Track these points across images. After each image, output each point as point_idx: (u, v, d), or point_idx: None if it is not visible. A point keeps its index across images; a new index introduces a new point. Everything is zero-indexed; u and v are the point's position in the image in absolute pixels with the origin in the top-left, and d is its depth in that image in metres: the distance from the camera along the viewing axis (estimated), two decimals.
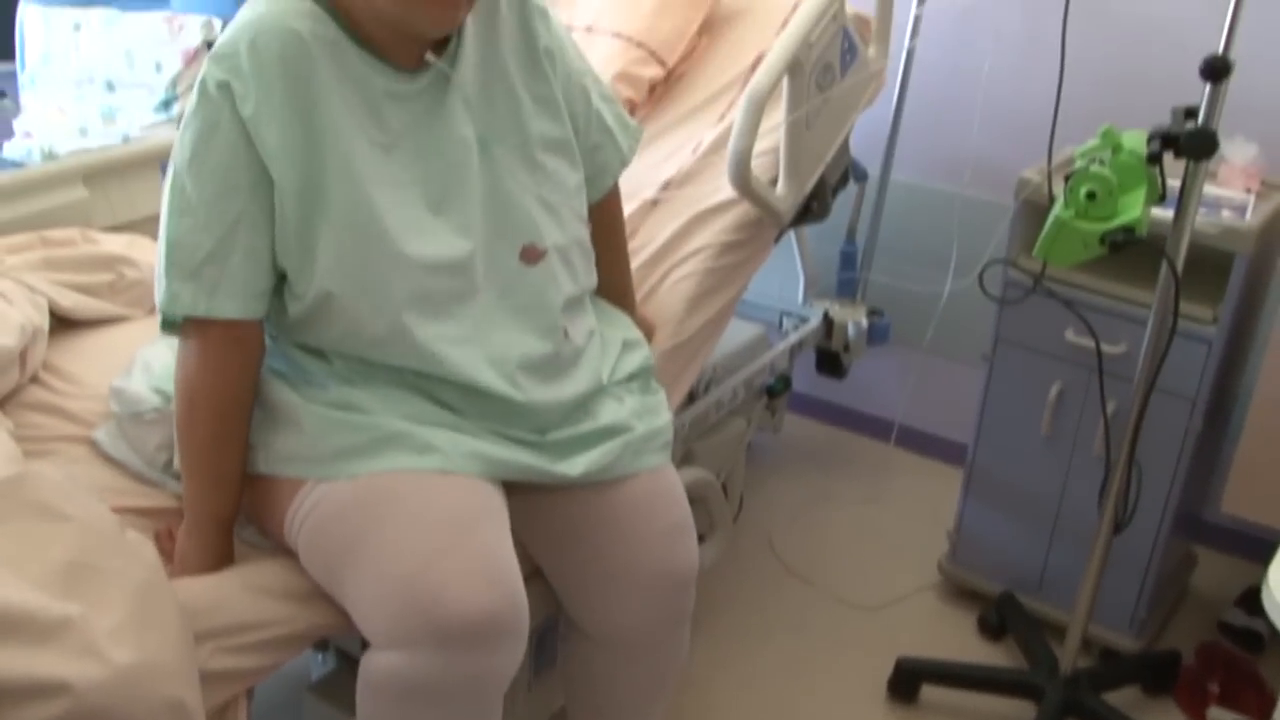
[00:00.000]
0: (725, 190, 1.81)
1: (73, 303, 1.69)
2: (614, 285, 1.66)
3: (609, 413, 1.48)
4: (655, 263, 1.84)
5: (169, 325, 1.32)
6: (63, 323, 1.70)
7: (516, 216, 1.42)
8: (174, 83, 3.04)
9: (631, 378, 1.57)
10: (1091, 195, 1.62)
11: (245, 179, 1.26)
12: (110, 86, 3.11)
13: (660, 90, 2.19)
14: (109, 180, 1.90)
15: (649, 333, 1.73)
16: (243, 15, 1.29)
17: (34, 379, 1.57)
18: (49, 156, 3.01)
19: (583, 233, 1.53)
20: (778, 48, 1.73)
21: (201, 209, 1.26)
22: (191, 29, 3.06)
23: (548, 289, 1.45)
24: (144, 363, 1.57)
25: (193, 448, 1.33)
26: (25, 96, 3.19)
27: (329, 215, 1.29)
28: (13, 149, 3.10)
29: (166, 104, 3.04)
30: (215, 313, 1.28)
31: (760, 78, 1.70)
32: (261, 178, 1.27)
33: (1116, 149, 1.68)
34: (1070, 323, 2.04)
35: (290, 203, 1.28)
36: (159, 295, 1.30)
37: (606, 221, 1.64)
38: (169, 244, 1.28)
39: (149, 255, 1.83)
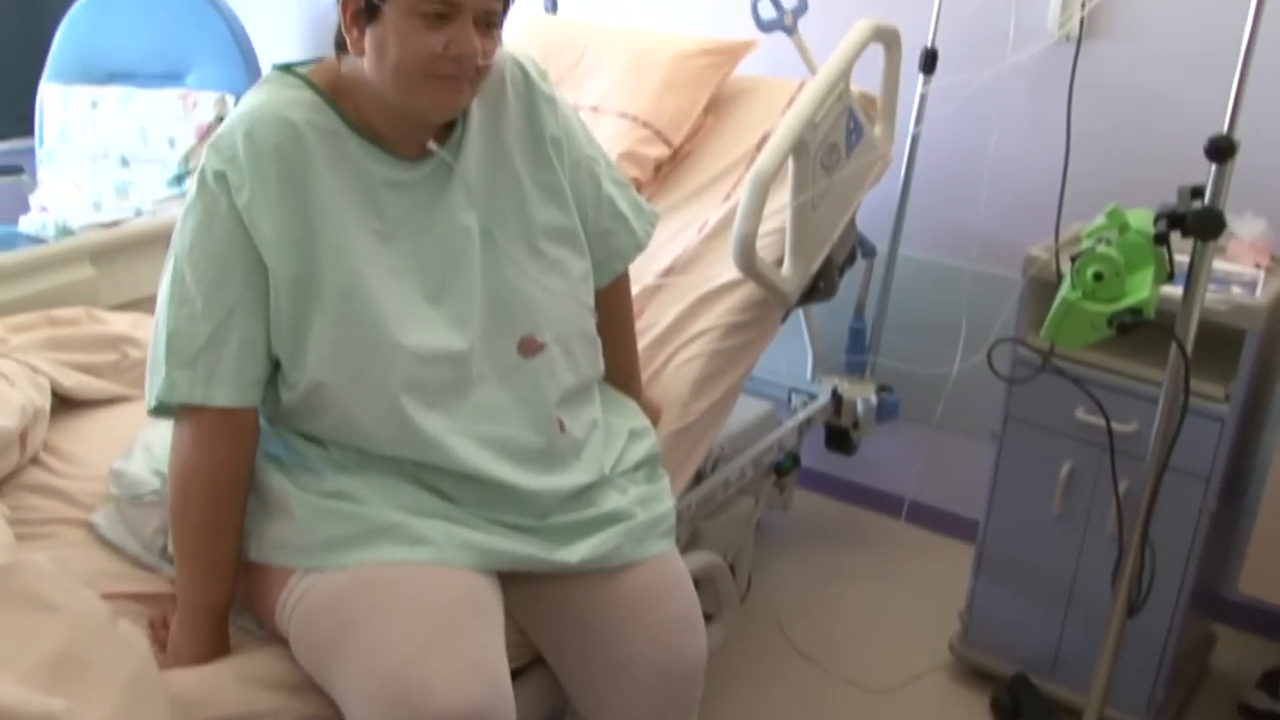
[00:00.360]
0: (731, 271, 1.81)
1: (75, 383, 1.69)
2: (621, 370, 1.65)
3: (611, 501, 1.47)
4: (661, 344, 1.83)
5: (159, 411, 1.31)
6: (65, 402, 1.70)
7: (516, 307, 1.42)
8: (186, 158, 3.08)
9: (637, 466, 1.55)
10: (1099, 276, 1.61)
11: (241, 267, 1.27)
12: (125, 162, 3.15)
13: (666, 169, 2.20)
14: (116, 259, 1.91)
15: (655, 416, 1.72)
16: (242, 104, 1.31)
17: (34, 460, 1.56)
18: (63, 231, 3.04)
19: (587, 322, 1.52)
20: (782, 129, 1.74)
21: (199, 298, 1.27)
22: (205, 105, 3.10)
23: (544, 382, 1.44)
24: (144, 444, 1.56)
25: (186, 535, 1.32)
26: (42, 172, 3.24)
27: (322, 305, 1.29)
28: (28, 223, 3.14)
29: (179, 179, 3.07)
30: (210, 401, 1.28)
31: (764, 160, 1.70)
32: (257, 266, 1.27)
33: (1123, 228, 1.68)
34: (1080, 401, 2.01)
35: (284, 292, 1.28)
36: (155, 383, 1.30)
37: (615, 306, 1.63)
38: (168, 333, 1.29)
39: None
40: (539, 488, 1.40)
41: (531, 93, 1.46)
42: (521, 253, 1.43)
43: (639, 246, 1.62)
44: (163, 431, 1.56)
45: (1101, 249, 1.63)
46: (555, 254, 1.47)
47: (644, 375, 1.77)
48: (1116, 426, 1.87)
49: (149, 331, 1.82)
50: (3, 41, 3.44)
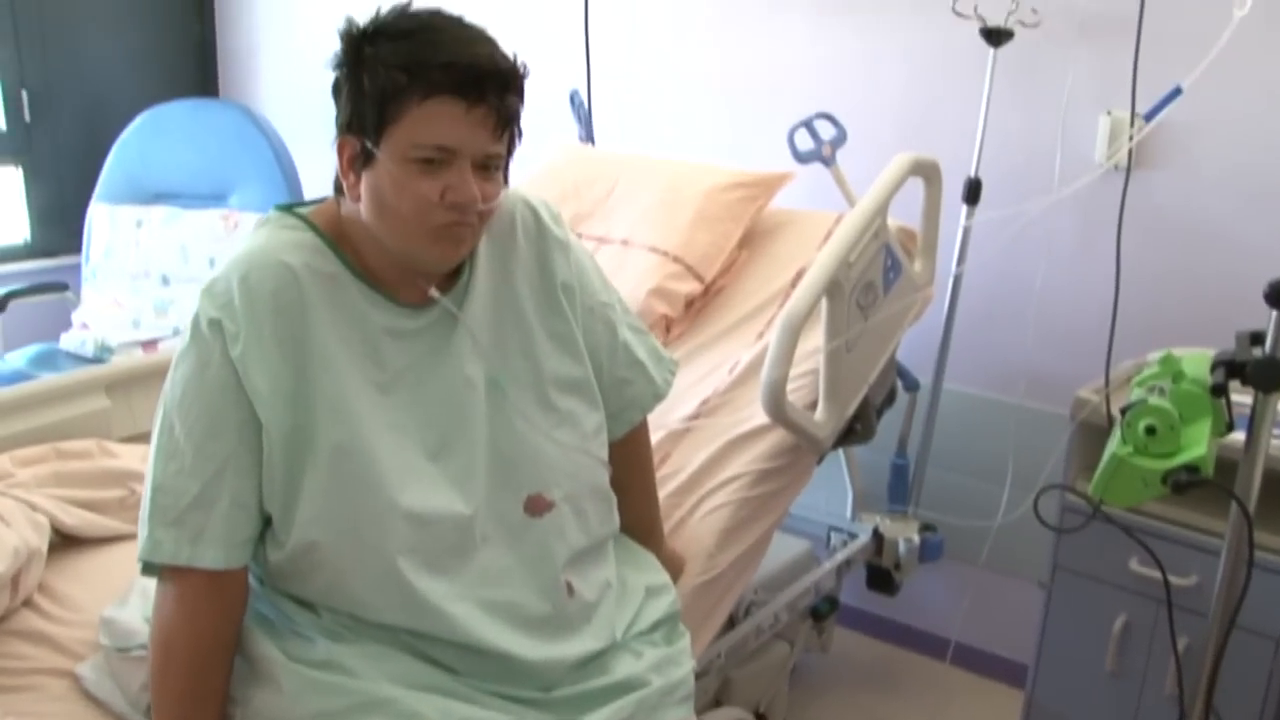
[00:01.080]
0: (761, 415, 1.73)
1: (78, 520, 1.65)
2: (639, 521, 1.57)
3: (624, 667, 1.37)
4: (686, 491, 1.75)
5: (149, 569, 1.25)
6: (67, 540, 1.66)
7: (524, 464, 1.35)
8: None
9: (654, 627, 1.46)
10: (1151, 430, 1.51)
11: (234, 421, 1.21)
12: (165, 280, 3.17)
13: (698, 305, 2.14)
14: (132, 389, 1.88)
15: (677, 569, 1.62)
16: (240, 247, 1.26)
17: (27, 603, 1.51)
18: (102, 349, 3.06)
19: (600, 478, 1.45)
20: (814, 269, 1.68)
21: (189, 451, 1.21)
22: (246, 226, 3.12)
23: (552, 543, 1.35)
24: (142, 588, 1.49)
25: (166, 701, 1.24)
26: (86, 289, 3.28)
27: (316, 460, 1.22)
28: (69, 340, 3.17)
29: None
30: (197, 562, 1.21)
31: (795, 302, 1.64)
32: (250, 420, 1.21)
33: (1177, 377, 1.58)
34: (1134, 551, 1.91)
35: (278, 446, 1.22)
36: (140, 540, 1.23)
37: (633, 457, 1.55)
38: (153, 488, 1.22)
39: None
40: (545, 657, 1.31)
41: (543, 237, 1.41)
42: (531, 405, 1.36)
43: (658, 396, 1.55)
44: None
45: (1154, 400, 1.53)
46: (566, 406, 1.40)
47: (668, 524, 1.69)
48: (1174, 580, 1.77)
49: None
50: (65, 161, 3.53)
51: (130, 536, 1.71)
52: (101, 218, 3.28)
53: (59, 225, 3.53)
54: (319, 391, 1.22)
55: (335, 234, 1.28)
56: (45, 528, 1.58)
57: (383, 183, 1.21)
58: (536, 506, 1.35)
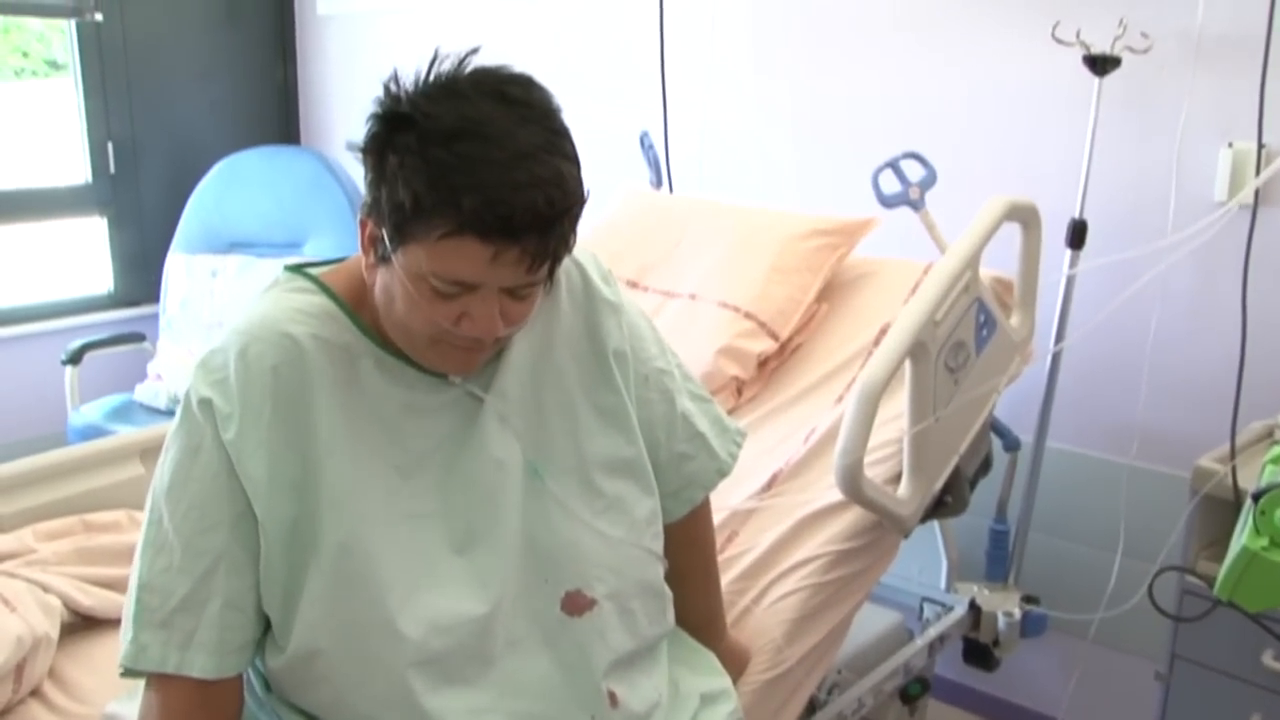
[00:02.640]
0: (838, 490, 1.56)
1: (95, 600, 1.58)
2: (697, 613, 1.41)
3: None
4: (753, 575, 1.59)
5: (131, 673, 1.12)
6: (86, 620, 1.59)
7: (562, 557, 1.21)
8: None
9: None
10: None
11: (227, 514, 1.09)
12: None
13: (772, 365, 1.98)
14: None
15: (741, 664, 1.47)
16: (243, 314, 1.15)
17: (34, 692, 1.44)
18: (174, 401, 3.04)
19: (651, 573, 1.30)
20: (895, 330, 1.52)
21: (177, 546, 1.09)
22: None
23: (592, 647, 1.21)
24: None
25: None
26: (162, 340, 3.28)
27: (319, 559, 1.10)
28: (143, 391, 3.16)
29: None
30: (186, 669, 1.09)
31: (873, 368, 1.47)
32: (245, 512, 1.09)
33: None
34: (1268, 644, 1.70)
35: (276, 542, 1.10)
36: (123, 643, 1.11)
37: (692, 541, 1.40)
38: (139, 586, 1.10)
39: None
40: None
41: (591, 300, 1.27)
42: (571, 491, 1.23)
43: (721, 472, 1.40)
44: None
45: None
46: (614, 491, 1.26)
47: (731, 612, 1.53)
48: None
49: None
50: (148, 211, 3.56)
51: None
52: (178, 268, 3.27)
53: (141, 275, 3.56)
54: (323, 481, 1.11)
55: (355, 297, 1.16)
56: (57, 610, 1.51)
57: (394, 288, 1.08)
58: (575, 605, 1.21)
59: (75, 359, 3.09)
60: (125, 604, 1.12)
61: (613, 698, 1.21)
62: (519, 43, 3.20)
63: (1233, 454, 1.72)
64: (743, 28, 2.75)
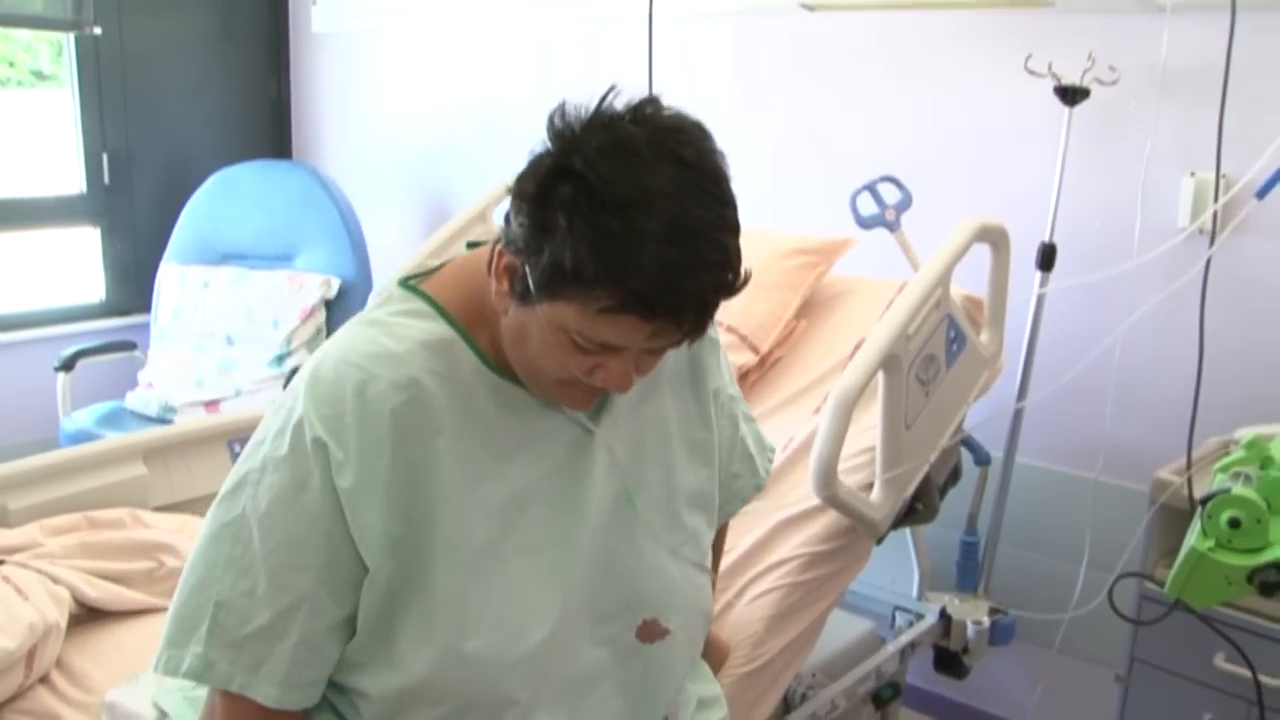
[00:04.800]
0: (814, 495, 1.64)
1: (101, 593, 1.63)
2: None
3: None
4: (733, 575, 1.67)
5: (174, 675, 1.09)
6: (91, 612, 1.64)
7: (646, 586, 1.21)
8: (289, 338, 3.11)
9: None
10: (1235, 523, 1.39)
11: (321, 558, 1.05)
12: (230, 341, 3.20)
13: (753, 377, 2.06)
14: (170, 457, 1.87)
15: (721, 656, 1.54)
16: (355, 334, 1.10)
17: (43, 679, 1.48)
18: (165, 409, 3.09)
19: (709, 602, 1.31)
20: (869, 344, 1.60)
21: (263, 575, 1.05)
22: (311, 288, 3.14)
23: (659, 674, 1.23)
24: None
25: None
26: (153, 349, 3.33)
27: (427, 597, 1.08)
28: (134, 399, 3.21)
29: (280, 359, 3.10)
30: (249, 692, 1.06)
31: (848, 377, 1.56)
32: (340, 559, 1.06)
33: (1265, 463, 1.46)
34: (1220, 647, 1.78)
35: (381, 584, 1.07)
36: (186, 652, 1.06)
37: (713, 549, 1.41)
38: (215, 601, 1.06)
39: None
40: None
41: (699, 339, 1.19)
42: (661, 524, 1.22)
43: (759, 488, 1.41)
44: None
45: (1239, 489, 1.41)
46: (693, 524, 1.25)
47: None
48: (1264, 679, 1.64)
49: (192, 538, 1.75)
50: (141, 222, 3.62)
51: (155, 610, 1.68)
52: (171, 278, 3.33)
53: (133, 285, 3.62)
54: (438, 524, 1.08)
55: (469, 316, 1.12)
56: (66, 601, 1.56)
57: (530, 330, 1.05)
58: (650, 633, 1.21)
59: (68, 366, 3.14)
60: (178, 608, 1.09)
61: None
62: (508, 69, 3.26)
63: (1189, 465, 1.81)
64: (727, 60, 2.83)
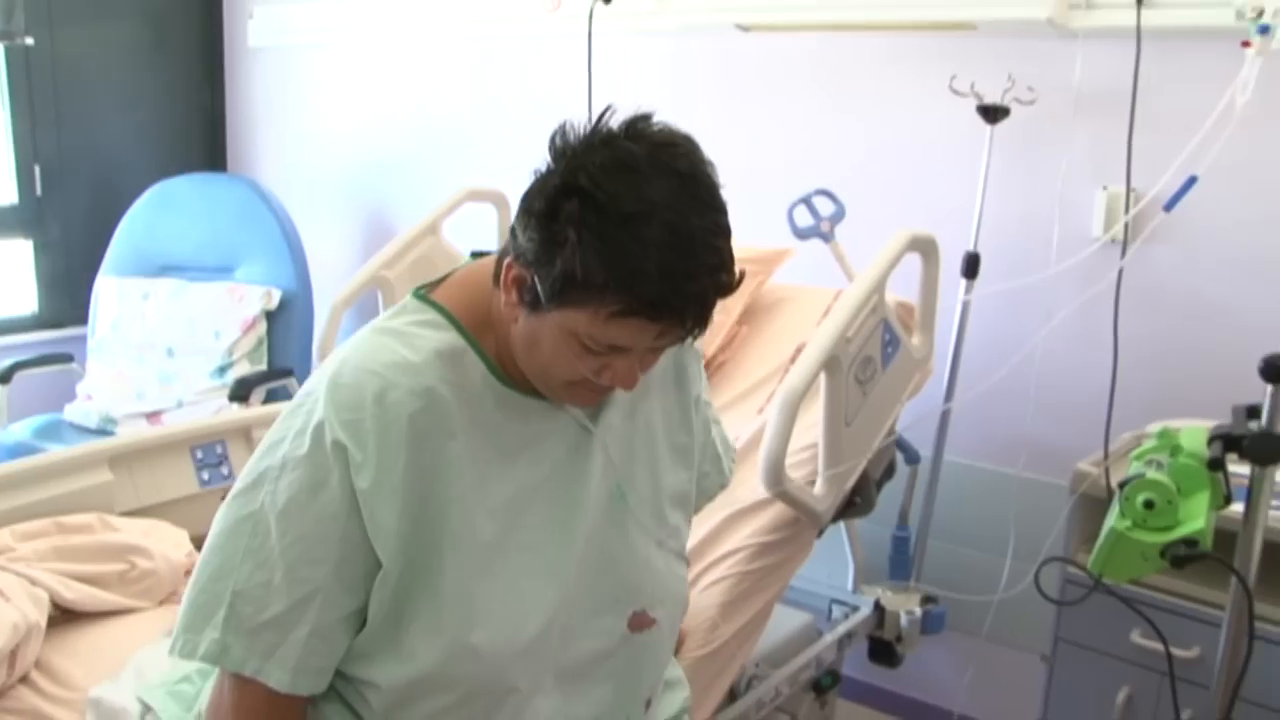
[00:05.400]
0: (761, 489, 1.73)
1: (77, 595, 1.65)
2: None
3: None
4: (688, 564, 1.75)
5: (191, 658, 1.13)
6: (67, 614, 1.66)
7: (637, 579, 1.28)
8: (230, 350, 3.12)
9: None
10: (1149, 504, 1.52)
11: (336, 553, 1.11)
12: (170, 352, 3.20)
13: None
14: (135, 463, 1.89)
15: (679, 640, 1.62)
16: (377, 345, 1.15)
17: (24, 679, 1.51)
18: (106, 420, 3.08)
19: (687, 589, 1.40)
20: (812, 345, 1.69)
21: (280, 567, 1.10)
22: (251, 299, 3.15)
23: (646, 661, 1.30)
24: (136, 666, 1.49)
25: None
26: (91, 361, 3.30)
27: (435, 593, 1.14)
28: (73, 411, 3.19)
29: (221, 370, 3.11)
30: (262, 678, 1.11)
31: (794, 377, 1.65)
32: (355, 555, 1.12)
33: (1175, 450, 1.59)
34: (1137, 624, 1.90)
35: (392, 579, 1.13)
36: (203, 638, 1.12)
37: None
38: (233, 590, 1.11)
39: (165, 544, 1.79)
40: None
41: (682, 347, 1.27)
42: (649, 519, 1.30)
43: (724, 485, 1.51)
44: (157, 654, 1.49)
45: (1152, 474, 1.54)
46: (675, 521, 1.34)
47: None
48: (1177, 652, 1.76)
49: (160, 541, 1.79)
50: (74, 234, 3.58)
51: (131, 610, 1.71)
52: (109, 290, 3.31)
53: (66, 297, 3.57)
54: (448, 523, 1.14)
55: (476, 324, 1.19)
56: (45, 602, 1.58)
57: (540, 334, 1.11)
58: (639, 623, 1.28)
59: (4, 378, 3.12)
60: (195, 596, 1.13)
61: (646, 704, 1.33)
62: (445, 85, 3.29)
63: (1106, 458, 1.93)
64: (666, 79, 2.92)
